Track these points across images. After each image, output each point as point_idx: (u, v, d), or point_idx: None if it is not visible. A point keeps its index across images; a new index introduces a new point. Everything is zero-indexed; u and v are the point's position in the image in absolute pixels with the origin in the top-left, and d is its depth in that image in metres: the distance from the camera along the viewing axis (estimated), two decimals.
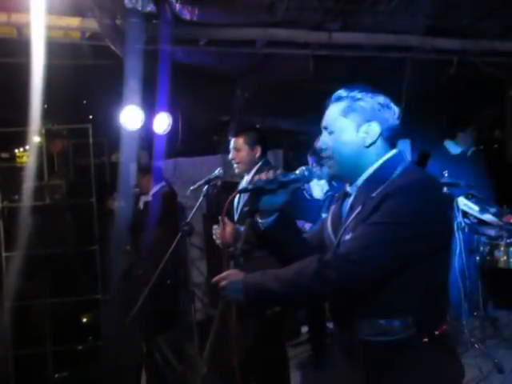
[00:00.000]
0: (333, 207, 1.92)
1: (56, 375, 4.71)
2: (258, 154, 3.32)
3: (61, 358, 4.81)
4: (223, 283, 1.69)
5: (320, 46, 4.79)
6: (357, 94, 1.76)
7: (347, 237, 1.66)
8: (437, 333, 1.64)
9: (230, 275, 1.71)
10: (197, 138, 6.14)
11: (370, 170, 1.73)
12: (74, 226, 5.40)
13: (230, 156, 3.36)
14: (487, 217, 4.49)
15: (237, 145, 3.32)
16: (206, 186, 3.76)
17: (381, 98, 1.76)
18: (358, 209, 1.67)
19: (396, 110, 1.78)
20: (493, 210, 4.64)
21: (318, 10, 4.30)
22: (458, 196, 4.51)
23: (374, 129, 1.73)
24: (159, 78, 4.39)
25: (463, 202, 4.47)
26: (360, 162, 1.74)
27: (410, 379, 1.62)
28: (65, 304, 4.93)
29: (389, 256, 1.55)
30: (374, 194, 1.62)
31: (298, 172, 1.84)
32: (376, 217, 1.58)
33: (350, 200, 1.78)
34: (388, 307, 1.61)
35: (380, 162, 1.73)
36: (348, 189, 1.82)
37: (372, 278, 1.56)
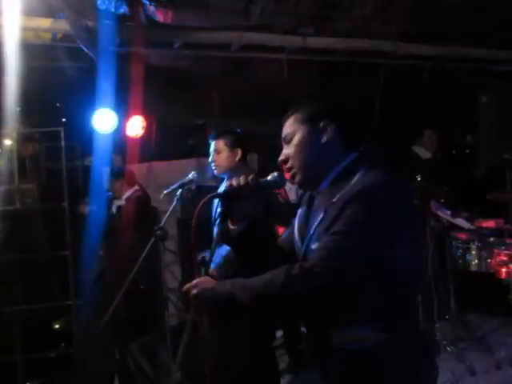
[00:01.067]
0: (299, 212, 1.91)
1: (27, 383, 4.62)
2: (237, 157, 3.32)
3: (32, 365, 4.72)
4: (194, 292, 1.66)
5: (295, 50, 4.80)
6: (314, 101, 1.79)
7: (313, 246, 1.64)
8: (409, 337, 1.64)
9: (201, 283, 1.68)
10: (171, 141, 6.10)
11: (333, 174, 1.72)
12: (46, 230, 5.31)
13: (210, 158, 3.35)
14: (459, 221, 4.55)
15: (217, 147, 3.31)
16: (180, 190, 3.74)
17: (341, 102, 1.78)
18: (321, 215, 1.65)
19: (359, 113, 1.78)
20: (464, 214, 4.70)
21: (292, 14, 4.31)
22: (429, 200, 4.57)
23: (333, 132, 1.73)
24: (133, 81, 4.35)
25: (435, 206, 4.52)
26: (321, 167, 1.74)
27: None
28: (36, 310, 4.85)
29: (352, 266, 1.53)
30: (334, 200, 1.61)
31: (269, 178, 1.83)
32: (337, 226, 1.56)
33: (314, 205, 1.78)
34: (357, 314, 1.60)
35: (343, 164, 1.72)
36: (313, 193, 1.82)
37: (338, 289, 1.54)
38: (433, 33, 4.92)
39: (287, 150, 1.79)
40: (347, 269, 1.52)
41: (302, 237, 1.77)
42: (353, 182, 1.62)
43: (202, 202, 1.75)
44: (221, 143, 3.31)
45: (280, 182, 1.84)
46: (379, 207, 1.55)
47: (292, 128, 1.78)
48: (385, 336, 1.58)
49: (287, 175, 1.83)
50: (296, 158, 1.76)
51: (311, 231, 1.69)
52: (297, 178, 1.79)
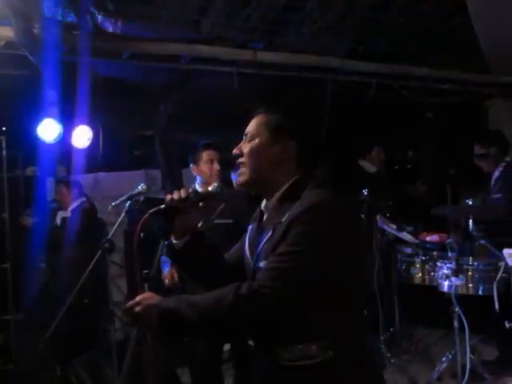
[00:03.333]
0: (250, 227, 1.91)
1: None
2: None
3: None
4: (137, 309, 1.61)
5: (245, 64, 4.83)
6: (281, 110, 1.80)
7: (261, 264, 1.65)
8: (356, 351, 1.66)
9: (144, 299, 1.63)
10: (118, 152, 6.00)
11: (280, 191, 1.74)
12: None
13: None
14: (404, 235, 4.66)
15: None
16: (129, 202, 3.68)
17: (302, 116, 1.80)
18: (269, 234, 1.67)
19: (315, 129, 1.81)
20: (409, 228, 4.82)
21: (243, 28, 4.34)
22: (375, 214, 4.66)
23: (292, 146, 1.75)
24: (79, 91, 4.26)
25: (381, 220, 4.62)
26: (271, 178, 1.75)
27: None
28: None
29: (299, 285, 1.54)
30: (283, 219, 1.62)
31: (210, 188, 1.84)
32: (283, 246, 1.57)
33: (263, 221, 1.79)
34: (305, 332, 1.60)
35: (290, 182, 1.74)
36: (263, 208, 1.82)
37: (285, 308, 1.55)
38: (378, 51, 5.06)
39: (244, 147, 1.79)
40: (293, 288, 1.54)
41: (252, 253, 1.77)
42: (299, 201, 1.63)
43: (142, 219, 1.73)
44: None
45: (221, 193, 1.84)
46: (322, 226, 1.58)
47: (256, 129, 1.79)
48: (332, 352, 1.58)
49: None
50: (249, 160, 1.76)
51: (259, 249, 1.70)
52: (243, 178, 1.79)
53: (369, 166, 5.73)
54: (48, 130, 4.46)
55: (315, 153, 1.84)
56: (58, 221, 5.03)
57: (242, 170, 1.78)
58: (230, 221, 3.50)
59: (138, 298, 1.64)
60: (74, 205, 4.98)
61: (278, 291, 1.52)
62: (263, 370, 1.74)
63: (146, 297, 1.65)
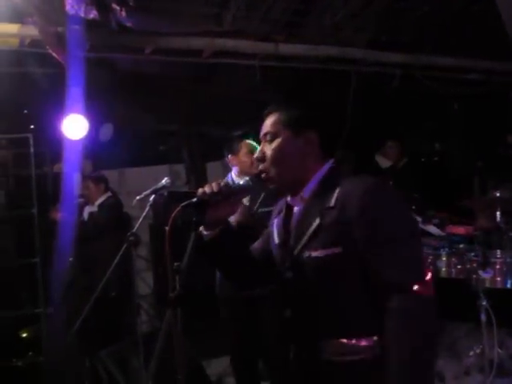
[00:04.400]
0: (275, 220, 1.89)
1: None
2: None
3: None
4: None
5: (267, 57, 4.82)
6: (296, 104, 1.78)
7: (314, 254, 1.61)
8: None
9: None
10: (143, 147, 6.07)
11: (315, 180, 1.72)
12: (14, 238, 5.23)
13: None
14: (430, 227, 4.60)
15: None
16: (153, 196, 3.72)
17: (317, 106, 1.78)
18: (316, 221, 1.62)
19: (334, 117, 1.80)
20: (435, 220, 4.75)
21: (264, 20, 4.33)
22: None
23: (313, 138, 1.74)
24: (103, 87, 4.32)
25: None
26: (301, 173, 1.74)
27: None
28: (3, 319, 4.76)
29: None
30: (331, 204, 1.59)
31: (242, 182, 1.81)
32: (380, 234, 1.54)
33: (296, 213, 1.76)
34: (352, 327, 1.58)
35: (324, 169, 1.73)
36: (290, 201, 1.81)
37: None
38: (402, 41, 4.99)
39: (266, 150, 1.76)
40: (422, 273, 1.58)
41: (285, 244, 1.75)
42: (338, 188, 1.62)
43: (174, 212, 1.73)
44: None
45: (253, 186, 1.83)
46: (396, 206, 1.60)
47: (274, 128, 1.76)
48: (379, 350, 1.54)
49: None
50: (274, 164, 1.74)
51: (306, 237, 1.65)
52: (272, 183, 1.77)
53: (382, 161, 5.63)
54: (74, 126, 4.53)
55: (337, 139, 1.82)
56: (85, 216, 5.12)
57: (269, 176, 1.75)
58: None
59: None
60: (100, 200, 5.06)
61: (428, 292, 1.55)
62: (306, 366, 1.69)
63: None
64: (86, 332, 4.03)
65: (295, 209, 1.78)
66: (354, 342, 1.57)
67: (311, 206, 1.68)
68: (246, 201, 3.67)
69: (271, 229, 1.91)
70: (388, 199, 1.60)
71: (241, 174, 3.65)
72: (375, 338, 1.56)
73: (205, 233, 1.80)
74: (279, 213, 1.89)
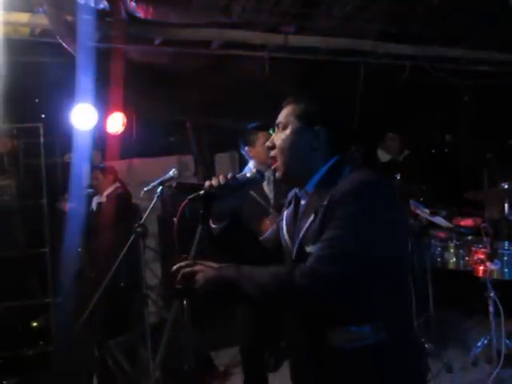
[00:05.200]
0: (286, 212, 1.91)
1: (4, 382, 4.57)
2: None
3: (9, 363, 4.68)
4: (196, 268, 1.63)
5: (276, 48, 4.81)
6: (309, 97, 1.79)
7: (308, 248, 1.63)
8: (406, 332, 1.66)
9: (203, 267, 1.65)
10: (152, 138, 6.07)
11: (318, 175, 1.73)
12: (24, 227, 5.26)
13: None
14: (438, 219, 4.60)
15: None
16: (161, 187, 3.73)
17: (331, 102, 1.79)
18: (311, 218, 1.65)
19: (346, 114, 1.80)
20: (443, 212, 4.75)
21: (273, 12, 4.32)
22: (408, 198, 4.60)
23: (323, 132, 1.74)
24: (113, 77, 4.32)
25: (414, 205, 4.56)
26: (306, 166, 1.75)
27: (384, 381, 1.61)
28: (13, 308, 4.80)
29: (353, 268, 1.50)
30: (325, 202, 1.60)
31: (249, 175, 1.83)
32: (332, 229, 1.54)
33: (301, 207, 1.78)
34: (358, 313, 1.59)
35: (328, 165, 1.73)
36: (298, 194, 1.82)
37: (342, 292, 1.51)
38: (412, 32, 4.96)
39: (277, 139, 1.80)
40: (349, 272, 1.50)
41: (292, 237, 1.77)
42: (340, 182, 1.62)
43: (182, 205, 1.74)
44: None
45: (259, 179, 1.85)
46: (371, 206, 1.55)
47: (287, 118, 1.79)
48: (385, 335, 1.58)
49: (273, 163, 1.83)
50: (282, 152, 1.77)
51: (302, 233, 1.68)
52: (279, 172, 1.80)
53: (382, 155, 5.61)
54: (83, 116, 4.55)
55: (347, 137, 1.83)
56: (94, 206, 5.14)
57: (277, 164, 1.79)
58: None
59: (197, 267, 1.64)
60: (108, 190, 5.07)
61: (334, 275, 1.48)
62: (311, 353, 1.71)
63: (205, 264, 1.67)
64: (95, 322, 4.07)
65: (302, 202, 1.80)
66: (361, 328, 1.58)
67: (312, 202, 1.71)
68: (269, 192, 3.67)
69: (281, 220, 1.92)
70: (372, 200, 1.56)
71: (259, 165, 3.56)
72: (380, 323, 1.58)
73: (213, 226, 1.82)
74: (289, 204, 1.91)
